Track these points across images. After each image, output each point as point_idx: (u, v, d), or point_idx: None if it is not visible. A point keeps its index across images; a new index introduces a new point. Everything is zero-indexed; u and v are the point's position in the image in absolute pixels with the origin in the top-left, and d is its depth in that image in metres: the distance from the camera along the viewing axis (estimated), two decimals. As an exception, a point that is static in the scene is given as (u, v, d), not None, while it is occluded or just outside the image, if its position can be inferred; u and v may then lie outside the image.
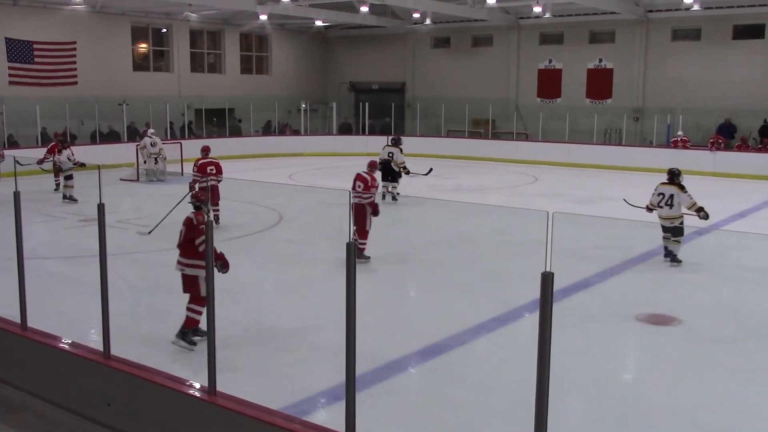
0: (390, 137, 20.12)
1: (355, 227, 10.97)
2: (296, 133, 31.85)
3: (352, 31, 35.04)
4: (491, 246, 13.08)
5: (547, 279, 3.78)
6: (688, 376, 7.30)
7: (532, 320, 4.44)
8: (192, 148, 24.50)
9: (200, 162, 14.30)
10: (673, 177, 11.71)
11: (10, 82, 24.99)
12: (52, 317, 7.56)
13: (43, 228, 14.67)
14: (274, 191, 18.30)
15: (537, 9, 27.18)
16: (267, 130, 31.69)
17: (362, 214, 11.07)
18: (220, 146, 27.66)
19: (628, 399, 6.72)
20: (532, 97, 31.10)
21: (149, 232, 12.93)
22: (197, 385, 5.34)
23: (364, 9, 28.41)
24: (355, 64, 35.76)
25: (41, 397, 6.30)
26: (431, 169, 18.62)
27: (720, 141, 24.66)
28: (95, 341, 6.44)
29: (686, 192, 11.51)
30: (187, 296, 7.78)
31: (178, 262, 7.78)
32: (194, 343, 7.60)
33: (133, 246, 12.57)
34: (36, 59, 25.65)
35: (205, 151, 14.67)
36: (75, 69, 26.66)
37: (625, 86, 28.89)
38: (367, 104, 30.94)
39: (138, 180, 21.00)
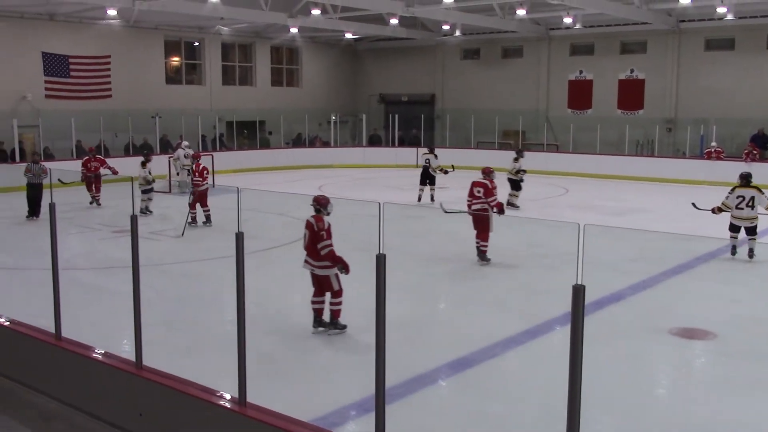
0: (428, 146, 21.85)
1: (476, 231, 12.07)
2: (326, 144, 32.00)
3: (381, 43, 35.19)
4: (522, 258, 12.98)
5: (578, 292, 3.74)
6: (723, 391, 7.17)
7: (564, 333, 4.39)
8: (223, 160, 24.79)
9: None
10: (749, 180, 12.56)
11: (47, 96, 25.46)
12: (86, 327, 7.65)
13: (77, 239, 14.89)
14: (304, 203, 18.32)
15: (567, 20, 27.07)
16: (297, 142, 31.88)
17: (484, 217, 11.99)
18: (250, 158, 27.98)
19: (662, 414, 6.61)
20: (563, 108, 30.94)
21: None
22: (228, 396, 5.36)
23: (394, 21, 28.52)
24: (385, 76, 35.88)
25: (75, 407, 6.37)
26: (453, 167, 19.49)
27: (755, 152, 24.28)
28: (127, 351, 6.51)
29: (764, 194, 12.42)
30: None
31: (307, 262, 8.34)
32: (344, 327, 8.34)
33: (164, 257, 12.70)
34: (72, 73, 26.12)
35: (198, 156, 17.10)
36: (109, 82, 27.10)
37: (658, 97, 28.62)
38: (396, 116, 31.02)
39: (170, 191, 21.23)
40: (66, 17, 25.76)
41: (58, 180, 17.08)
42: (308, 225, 8.33)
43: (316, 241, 8.17)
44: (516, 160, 18.46)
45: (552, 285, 10.49)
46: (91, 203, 18.66)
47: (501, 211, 12.32)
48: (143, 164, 17.53)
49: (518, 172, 18.29)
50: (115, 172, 18.31)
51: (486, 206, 12.23)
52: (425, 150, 20.30)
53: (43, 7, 24.34)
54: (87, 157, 19.39)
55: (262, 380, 6.59)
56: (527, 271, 12.16)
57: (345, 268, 8.08)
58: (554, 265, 11.85)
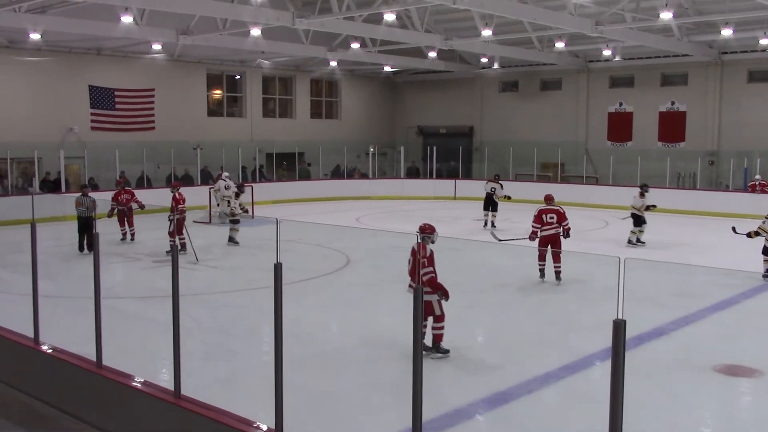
0: (494, 174, 23.64)
1: (552, 256, 12.90)
2: (364, 176, 32.17)
3: (420, 75, 35.45)
4: (561, 292, 12.84)
5: (619, 326, 3.70)
6: (771, 431, 6.96)
7: (604, 369, 4.33)
8: (263, 191, 25.04)
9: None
10: None
11: (93, 128, 26.09)
12: (126, 356, 7.73)
13: (119, 268, 15.13)
14: (341, 234, 18.45)
15: (607, 52, 27.01)
16: (336, 174, 32.12)
17: (557, 240, 13.04)
18: (289, 189, 28.25)
19: (706, 454, 6.44)
20: (602, 140, 30.74)
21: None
22: (264, 427, 5.37)
23: (433, 54, 28.74)
24: (423, 108, 36.07)
25: (113, 435, 6.43)
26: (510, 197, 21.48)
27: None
28: (166, 380, 6.56)
29: None
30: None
31: (410, 287, 8.53)
32: (447, 351, 8.58)
33: (204, 287, 12.82)
34: (117, 105, 26.76)
35: (177, 186, 17.13)
36: (153, 115, 27.69)
37: (699, 129, 28.29)
38: (434, 148, 31.11)
39: (210, 222, 21.47)
40: (112, 52, 26.45)
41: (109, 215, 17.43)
42: (412, 252, 8.68)
43: (420, 267, 8.46)
44: (642, 195, 18.37)
45: (591, 319, 10.34)
46: (123, 239, 17.77)
47: (567, 235, 13.13)
48: (237, 195, 17.83)
49: (647, 207, 18.20)
50: (142, 206, 17.73)
51: (561, 231, 13.14)
52: (491, 178, 22.26)
53: (91, 42, 25.04)
54: (117, 190, 18.62)
55: (298, 411, 6.59)
56: (566, 305, 12.01)
57: (445, 294, 8.41)
58: (594, 298, 11.69)
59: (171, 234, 15.81)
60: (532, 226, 13.20)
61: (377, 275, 14.30)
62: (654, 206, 18.27)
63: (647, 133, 29.43)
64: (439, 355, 8.58)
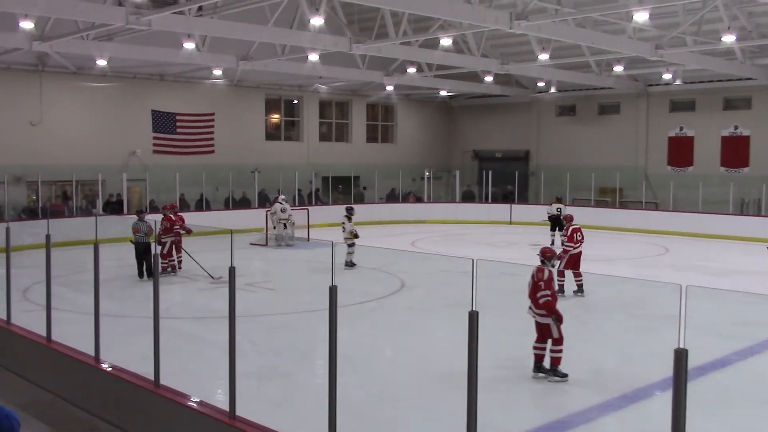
0: (556, 196, 25.01)
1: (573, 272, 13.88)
2: (419, 200, 32.19)
3: (476, 100, 35.42)
4: (619, 319, 12.58)
5: (680, 356, 3.60)
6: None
7: (664, 399, 4.21)
8: (318, 214, 25.26)
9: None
10: None
11: (154, 151, 26.74)
12: (182, 375, 7.84)
13: (177, 289, 15.39)
14: (396, 258, 18.45)
15: (667, 76, 26.59)
16: (391, 198, 32.21)
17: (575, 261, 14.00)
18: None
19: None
20: (662, 165, 30.16)
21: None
22: (317, 450, 5.37)
23: (489, 79, 28.72)
24: (479, 133, 35.99)
25: (169, 454, 6.51)
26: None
27: None
28: (221, 401, 6.63)
29: None
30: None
31: (530, 309, 8.88)
32: (565, 375, 8.65)
33: (260, 309, 12.95)
34: (178, 129, 27.39)
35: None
36: (213, 138, 28.25)
37: (764, 154, 27.51)
38: (490, 172, 30.97)
39: (267, 245, 21.73)
40: (175, 77, 27.15)
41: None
42: (532, 275, 8.90)
43: (537, 290, 8.67)
44: (565, 205, 18.74)
45: (651, 348, 10.10)
46: (168, 271, 16.46)
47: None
48: (348, 218, 17.89)
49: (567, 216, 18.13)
50: (188, 232, 17.09)
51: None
52: (554, 201, 23.87)
53: (154, 68, 25.76)
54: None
55: (351, 435, 6.57)
56: (625, 333, 11.75)
57: (558, 319, 8.63)
58: (653, 327, 11.41)
59: (163, 255, 16.17)
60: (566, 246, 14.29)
61: (432, 300, 14.24)
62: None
63: (709, 157, 28.78)
64: (557, 378, 8.66)
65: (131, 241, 15.91)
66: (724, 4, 19.43)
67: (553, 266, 9.07)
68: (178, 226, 16.86)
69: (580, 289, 14.07)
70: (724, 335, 10.95)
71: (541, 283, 8.66)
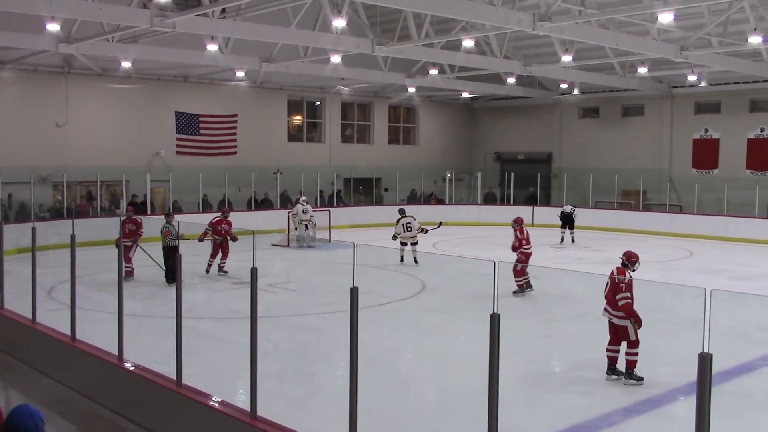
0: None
1: None
2: (441, 202, 32.13)
3: (498, 102, 35.31)
4: (643, 323, 12.46)
5: (705, 360, 3.56)
6: None
7: (688, 404, 4.17)
8: (340, 215, 25.31)
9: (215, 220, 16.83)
10: None
11: (178, 152, 26.93)
12: (204, 375, 7.89)
13: (200, 289, 15.48)
14: (418, 259, 18.44)
15: (692, 78, 26.32)
16: (412, 199, 32.19)
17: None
18: (366, 214, 28.45)
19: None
20: (687, 167, 29.87)
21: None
22: (338, 451, 5.37)
23: (511, 80, 28.62)
24: (501, 134, 35.87)
25: (191, 453, 6.54)
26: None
27: None
28: (243, 401, 6.65)
29: None
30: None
31: (606, 311, 8.90)
32: (641, 379, 8.64)
33: (281, 310, 12.99)
34: (201, 131, 27.57)
35: (225, 212, 17.22)
36: (235, 140, 28.40)
37: (791, 156, 27.17)
38: (512, 174, 30.86)
39: (288, 245, 21.80)
40: (198, 79, 27.33)
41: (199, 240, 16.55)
42: (611, 276, 8.99)
43: (617, 291, 8.63)
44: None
45: (675, 352, 10.01)
46: (222, 271, 16.58)
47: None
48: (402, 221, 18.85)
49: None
50: (234, 239, 16.48)
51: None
52: (569, 203, 25.44)
53: (178, 70, 25.94)
54: (218, 218, 17.04)
55: (372, 437, 6.57)
56: (648, 337, 11.60)
57: (638, 322, 8.64)
58: (677, 331, 11.30)
59: (127, 259, 15.55)
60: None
61: (453, 302, 14.21)
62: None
63: (735, 160, 28.46)
64: (633, 381, 8.66)
65: (163, 246, 15.51)
66: (751, 4, 19.18)
67: (634, 270, 9.10)
68: (141, 230, 16.41)
69: (521, 290, 14.16)
70: (749, 340, 10.83)
71: (623, 285, 8.67)
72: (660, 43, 20.73)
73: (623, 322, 8.67)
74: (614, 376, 8.81)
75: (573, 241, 23.99)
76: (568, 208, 24.52)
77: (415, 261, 18.24)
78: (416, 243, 18.56)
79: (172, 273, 14.75)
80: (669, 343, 10.91)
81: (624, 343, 8.76)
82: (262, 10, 18.87)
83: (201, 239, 16.68)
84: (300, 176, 28.18)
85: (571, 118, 33.73)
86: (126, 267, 15.15)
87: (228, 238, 16.55)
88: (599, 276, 15.89)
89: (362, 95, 32.79)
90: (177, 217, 16.63)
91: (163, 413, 7.15)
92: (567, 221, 24.24)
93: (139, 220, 16.58)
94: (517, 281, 14.14)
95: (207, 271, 16.59)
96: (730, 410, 7.63)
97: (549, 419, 7.65)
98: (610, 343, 8.87)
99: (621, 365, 8.82)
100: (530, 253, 14.57)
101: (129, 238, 15.85)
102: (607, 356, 8.85)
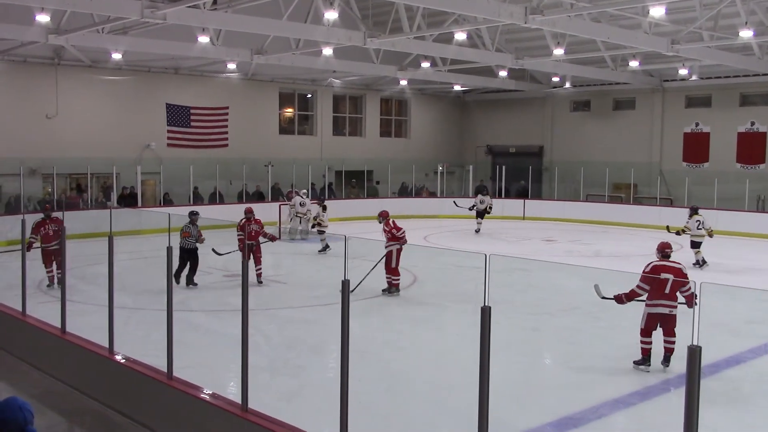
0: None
1: None
2: (432, 195, 32.15)
3: (490, 95, 35.32)
4: (632, 316, 12.51)
5: (694, 353, 3.58)
6: None
7: (677, 396, 4.20)
8: (331, 208, 25.21)
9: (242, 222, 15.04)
10: None
11: (168, 144, 26.83)
12: (195, 368, 7.88)
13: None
14: (408, 252, 18.42)
15: (683, 71, 26.40)
16: (403, 192, 32.19)
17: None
18: (358, 207, 28.41)
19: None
20: (677, 161, 29.97)
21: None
22: (329, 444, 5.38)
23: (503, 73, 28.63)
24: (493, 128, 35.89)
25: (182, 446, 6.54)
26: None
27: None
28: (233, 394, 6.65)
29: None
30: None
31: (661, 305, 9.14)
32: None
33: (272, 302, 12.98)
34: (192, 123, 27.47)
35: (248, 212, 15.38)
36: (227, 132, 28.32)
37: (780, 150, 27.29)
38: (504, 167, 30.90)
39: (279, 238, 21.76)
40: (189, 71, 27.22)
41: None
42: (669, 271, 9.25)
43: (682, 285, 9.00)
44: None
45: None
46: (259, 281, 14.53)
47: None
48: (324, 209, 19.41)
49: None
50: (273, 239, 15.56)
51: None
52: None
53: (169, 61, 25.82)
54: (244, 220, 15.24)
55: (363, 428, 6.58)
56: (638, 330, 11.69)
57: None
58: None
59: (50, 263, 13.94)
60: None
61: (444, 294, 14.24)
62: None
63: (725, 154, 28.57)
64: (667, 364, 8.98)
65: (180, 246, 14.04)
66: (742, -1, 19.27)
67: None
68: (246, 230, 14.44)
69: (396, 288, 13.80)
70: (738, 332, 10.89)
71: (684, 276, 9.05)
72: (651, 37, 20.76)
73: (674, 312, 8.98)
74: (641, 367, 9.06)
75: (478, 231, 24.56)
76: (483, 204, 24.99)
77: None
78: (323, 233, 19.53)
79: (184, 275, 14.19)
80: (658, 336, 10.95)
81: (659, 333, 9.08)
82: (254, 2, 18.78)
83: (241, 248, 14.48)
84: (291, 169, 28.13)
85: (563, 111, 33.77)
86: (47, 272, 13.91)
87: (264, 239, 15.03)
88: (589, 269, 15.96)
89: (354, 88, 32.74)
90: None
91: (154, 406, 7.14)
92: (481, 214, 24.82)
93: (59, 219, 14.30)
94: (393, 279, 13.69)
95: (260, 282, 14.61)
96: (719, 402, 7.68)
97: (539, 411, 7.68)
98: (647, 335, 9.13)
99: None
100: (405, 240, 13.89)
101: (54, 240, 13.59)
102: (646, 348, 9.06)
